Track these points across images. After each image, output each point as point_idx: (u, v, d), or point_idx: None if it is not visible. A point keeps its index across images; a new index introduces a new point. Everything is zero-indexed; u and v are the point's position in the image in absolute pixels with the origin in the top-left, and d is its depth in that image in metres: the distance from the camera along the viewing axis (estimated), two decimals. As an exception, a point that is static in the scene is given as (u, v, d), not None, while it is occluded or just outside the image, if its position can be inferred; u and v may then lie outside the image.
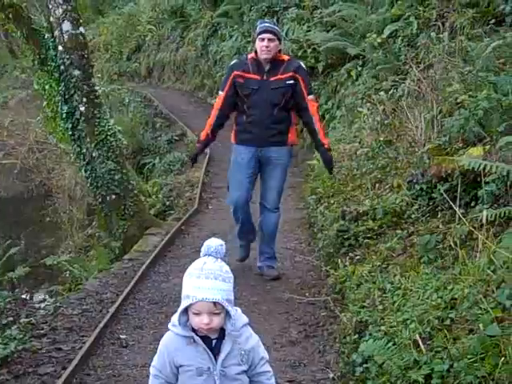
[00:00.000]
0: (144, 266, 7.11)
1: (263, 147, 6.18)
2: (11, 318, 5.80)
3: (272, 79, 6.05)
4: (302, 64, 6.30)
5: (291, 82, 6.03)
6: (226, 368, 2.54)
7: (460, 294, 4.02)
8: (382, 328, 4.31)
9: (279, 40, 6.08)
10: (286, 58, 6.26)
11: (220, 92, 6.33)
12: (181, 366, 2.55)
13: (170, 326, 2.60)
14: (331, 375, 4.46)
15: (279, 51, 6.12)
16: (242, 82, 6.09)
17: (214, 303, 2.44)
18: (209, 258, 2.49)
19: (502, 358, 3.22)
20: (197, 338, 2.52)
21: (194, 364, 2.53)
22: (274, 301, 5.99)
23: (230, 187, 6.53)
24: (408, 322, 4.15)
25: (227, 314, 2.51)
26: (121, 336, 5.48)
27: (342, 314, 5.02)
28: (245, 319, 2.67)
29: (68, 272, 9.57)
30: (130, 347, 5.27)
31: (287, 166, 6.44)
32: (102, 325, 5.58)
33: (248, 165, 6.25)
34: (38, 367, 4.96)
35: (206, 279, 2.43)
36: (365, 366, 4.11)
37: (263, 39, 5.97)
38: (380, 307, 4.64)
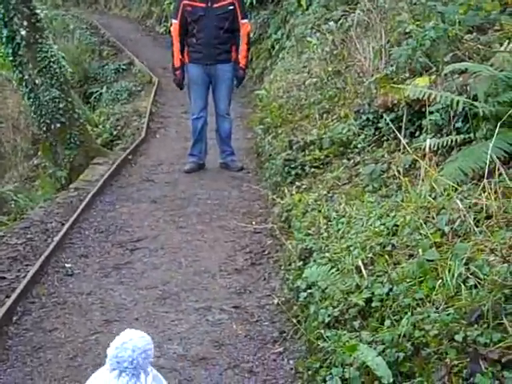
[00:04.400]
0: (90, 195, 7.02)
1: (211, 65, 7.45)
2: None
3: (215, 6, 7.26)
4: None
5: (231, 7, 7.31)
6: None
7: (402, 220, 4.09)
8: (326, 255, 4.38)
9: None
10: None
11: (174, 20, 7.44)
12: None
13: None
14: (276, 301, 4.55)
15: None
16: (191, 10, 7.26)
17: None
18: (122, 377, 1.30)
19: (439, 281, 3.31)
20: None
21: None
22: (220, 229, 6.01)
23: (190, 100, 7.80)
24: (351, 248, 4.22)
25: None
26: (66, 265, 5.44)
27: (288, 241, 5.07)
28: None
29: (13, 202, 9.39)
30: (76, 276, 5.25)
31: (232, 78, 7.68)
32: (46, 253, 5.53)
33: (201, 79, 7.52)
34: (-20, 296, 4.90)
35: None
36: (309, 291, 4.18)
37: None
38: (325, 235, 4.70)
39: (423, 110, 5.12)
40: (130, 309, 4.63)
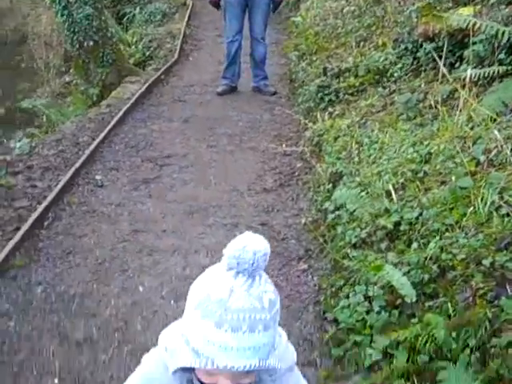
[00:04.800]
0: (121, 112, 7.02)
1: None
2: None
3: None
4: None
5: None
6: None
7: (436, 148, 4.05)
8: (357, 179, 4.37)
9: None
10: None
11: None
12: None
13: (160, 340, 1.46)
14: (303, 220, 4.58)
15: None
16: None
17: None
18: (239, 277, 1.28)
19: (471, 208, 3.30)
20: None
21: None
22: (250, 150, 6.01)
23: (225, 22, 7.74)
24: (382, 173, 4.20)
25: None
26: (96, 176, 5.51)
27: (318, 164, 5.06)
28: (291, 356, 1.47)
29: (44, 116, 9.45)
30: (105, 187, 5.32)
31: (269, 3, 7.60)
32: (77, 165, 5.59)
33: (238, 2, 7.46)
34: (13, 201, 5.00)
35: (234, 333, 1.23)
36: (337, 212, 4.20)
37: None
38: (356, 159, 4.68)
39: (465, 40, 4.99)
40: (158, 221, 4.70)
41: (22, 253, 4.24)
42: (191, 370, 1.34)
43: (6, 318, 3.58)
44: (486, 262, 2.87)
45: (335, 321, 3.39)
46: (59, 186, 5.15)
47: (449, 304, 2.84)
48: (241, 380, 1.31)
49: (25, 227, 4.44)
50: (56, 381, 3.11)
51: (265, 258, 1.28)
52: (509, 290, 2.71)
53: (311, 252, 4.19)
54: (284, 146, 5.92)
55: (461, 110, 4.37)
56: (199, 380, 1.35)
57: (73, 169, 5.48)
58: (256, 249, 1.26)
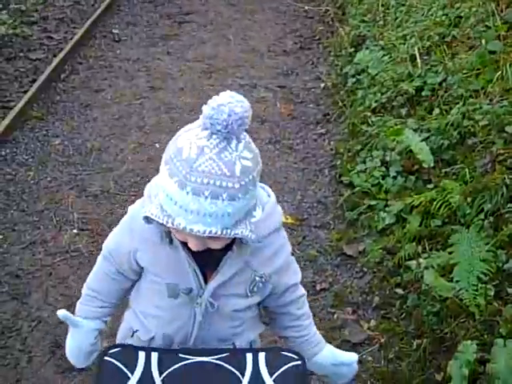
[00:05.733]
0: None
1: None
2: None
3: None
4: None
5: None
6: (218, 300, 1.40)
7: (467, 11, 3.88)
8: (380, 42, 4.24)
9: None
10: None
11: None
12: (144, 268, 1.44)
13: (146, 188, 1.36)
14: (322, 85, 4.49)
15: None
16: None
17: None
18: (212, 138, 1.16)
19: (498, 73, 3.20)
20: (177, 242, 1.33)
21: (165, 277, 1.39)
22: (271, 11, 5.81)
23: None
24: (408, 37, 4.06)
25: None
26: (113, 30, 5.38)
27: (341, 28, 4.89)
28: (278, 218, 1.41)
29: None
30: (123, 42, 5.20)
31: None
32: (94, 17, 5.44)
33: None
34: (29, 52, 4.91)
35: (195, 196, 1.16)
36: (358, 77, 4.12)
37: None
38: (381, 22, 4.52)
39: None
40: (176, 78, 4.63)
41: (39, 105, 4.21)
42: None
43: (25, 167, 3.62)
44: (509, 129, 2.81)
45: (350, 185, 3.40)
46: (76, 39, 5.05)
47: (466, 170, 2.82)
48: (209, 244, 1.26)
49: (41, 79, 4.39)
50: (75, 231, 3.18)
51: (240, 123, 1.14)
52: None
53: (329, 116, 4.13)
54: (306, 7, 5.70)
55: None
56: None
57: (89, 21, 5.35)
58: (232, 110, 1.12)
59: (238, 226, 1.21)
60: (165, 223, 1.20)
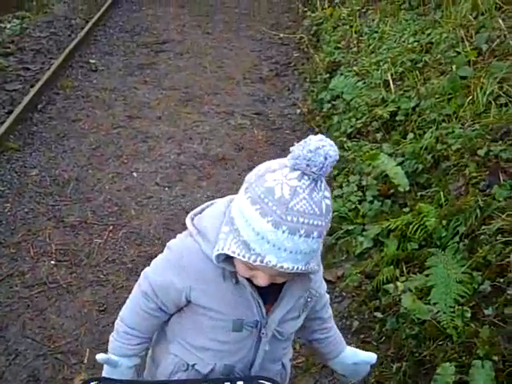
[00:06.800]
0: (115, -6, 6.81)
1: None
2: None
3: None
4: None
5: None
6: (282, 325, 1.44)
7: (438, 38, 3.96)
8: (355, 68, 4.30)
9: None
10: None
11: None
12: (198, 305, 1.41)
13: (190, 225, 1.39)
14: (299, 111, 4.53)
15: None
16: None
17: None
18: (304, 179, 1.20)
19: (469, 98, 3.26)
20: (243, 279, 1.34)
21: (229, 313, 1.39)
22: (247, 39, 5.88)
23: None
24: (381, 63, 4.13)
25: None
26: (90, 60, 5.40)
27: (315, 54, 4.96)
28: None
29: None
30: (100, 72, 5.22)
31: None
32: (70, 48, 5.47)
33: None
34: (5, 84, 4.92)
35: (291, 235, 1.19)
36: (333, 102, 4.16)
37: None
38: (354, 49, 4.59)
39: None
40: (153, 107, 4.65)
41: (16, 136, 4.21)
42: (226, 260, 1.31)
43: (2, 199, 3.60)
44: (481, 152, 2.86)
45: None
46: (52, 69, 5.06)
47: (441, 193, 2.86)
48: (276, 280, 1.30)
49: (18, 110, 4.39)
50: (53, 262, 3.16)
51: (333, 164, 1.20)
52: (501, 179, 2.72)
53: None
54: (281, 35, 5.78)
55: (465, -1, 4.23)
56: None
57: (66, 52, 5.37)
58: (328, 153, 1.18)
59: (312, 262, 1.27)
60: (251, 262, 1.21)
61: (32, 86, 4.82)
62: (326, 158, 1.17)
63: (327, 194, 1.22)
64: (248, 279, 1.32)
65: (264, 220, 1.19)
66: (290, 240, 1.19)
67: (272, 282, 1.30)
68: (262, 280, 1.28)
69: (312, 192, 1.19)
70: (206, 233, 1.32)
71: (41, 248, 3.23)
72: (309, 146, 1.18)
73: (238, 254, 1.23)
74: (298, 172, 1.19)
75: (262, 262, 1.20)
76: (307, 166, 1.18)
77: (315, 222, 1.19)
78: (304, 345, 2.62)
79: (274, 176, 1.21)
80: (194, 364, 1.45)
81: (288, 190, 1.18)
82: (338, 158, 1.20)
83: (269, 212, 1.18)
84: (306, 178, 1.19)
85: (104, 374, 1.46)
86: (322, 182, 1.21)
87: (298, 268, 1.22)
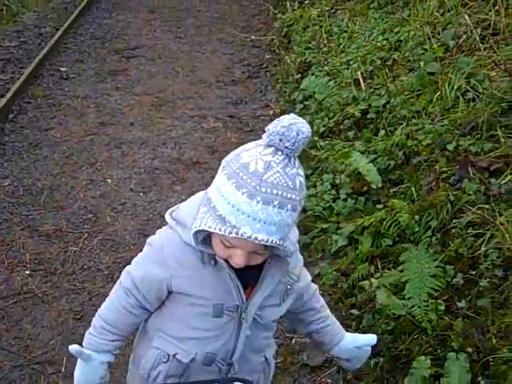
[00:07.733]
0: (85, 1, 6.77)
1: None
2: None
3: None
4: None
5: None
6: (263, 311, 1.47)
7: (406, 35, 4.00)
8: (325, 68, 4.33)
9: None
10: None
11: None
12: (179, 293, 1.43)
13: (169, 218, 1.43)
14: (271, 112, 4.55)
15: None
16: None
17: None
18: (277, 155, 1.25)
19: (438, 94, 3.29)
20: (221, 260, 1.36)
21: (210, 298, 1.41)
22: (218, 42, 5.89)
23: None
24: (351, 62, 4.16)
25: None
26: (61, 68, 5.38)
27: (287, 56, 4.98)
28: (297, 231, 1.46)
29: (4, 7, 9.05)
30: (71, 79, 5.20)
31: None
32: (40, 56, 5.43)
33: None
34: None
35: (265, 205, 1.23)
36: (305, 102, 4.18)
37: None
38: (325, 49, 4.62)
39: None
40: (126, 113, 4.64)
41: (-13, 147, 4.18)
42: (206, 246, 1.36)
43: (-26, 211, 3.57)
44: (451, 147, 2.90)
45: (302, 209, 3.42)
46: (23, 78, 5.02)
47: (413, 189, 2.89)
48: (252, 260, 1.33)
49: (-12, 121, 4.36)
50: (27, 272, 3.13)
51: (305, 141, 1.24)
52: (471, 173, 2.75)
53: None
54: (253, 37, 5.80)
55: (432, -4, 4.28)
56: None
57: (36, 60, 5.34)
58: (300, 129, 1.23)
59: (286, 238, 1.30)
60: (227, 234, 1.24)
61: (2, 96, 4.78)
62: (298, 134, 1.22)
63: (301, 172, 1.27)
64: (227, 262, 1.35)
65: (239, 192, 1.23)
66: (264, 210, 1.23)
67: (249, 265, 1.33)
68: (238, 259, 1.31)
69: (286, 167, 1.24)
70: (184, 220, 1.36)
71: (15, 258, 3.20)
72: (282, 123, 1.24)
73: (214, 228, 1.26)
74: (272, 148, 1.24)
75: (237, 233, 1.23)
76: (280, 141, 1.23)
77: (289, 195, 1.24)
78: (282, 344, 2.64)
79: (249, 153, 1.26)
80: (175, 354, 1.46)
81: (262, 164, 1.23)
82: (310, 135, 1.25)
83: (244, 184, 1.23)
84: (279, 153, 1.24)
85: (76, 370, 1.47)
86: (295, 159, 1.25)
87: (272, 241, 1.24)
